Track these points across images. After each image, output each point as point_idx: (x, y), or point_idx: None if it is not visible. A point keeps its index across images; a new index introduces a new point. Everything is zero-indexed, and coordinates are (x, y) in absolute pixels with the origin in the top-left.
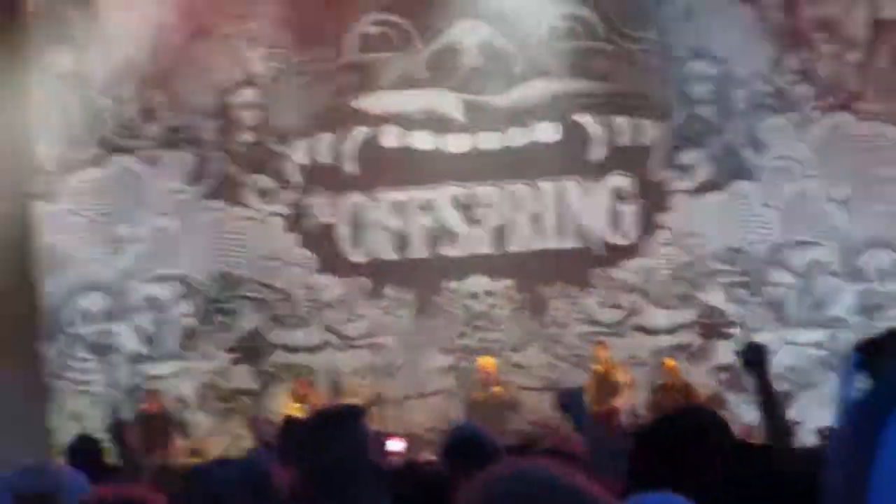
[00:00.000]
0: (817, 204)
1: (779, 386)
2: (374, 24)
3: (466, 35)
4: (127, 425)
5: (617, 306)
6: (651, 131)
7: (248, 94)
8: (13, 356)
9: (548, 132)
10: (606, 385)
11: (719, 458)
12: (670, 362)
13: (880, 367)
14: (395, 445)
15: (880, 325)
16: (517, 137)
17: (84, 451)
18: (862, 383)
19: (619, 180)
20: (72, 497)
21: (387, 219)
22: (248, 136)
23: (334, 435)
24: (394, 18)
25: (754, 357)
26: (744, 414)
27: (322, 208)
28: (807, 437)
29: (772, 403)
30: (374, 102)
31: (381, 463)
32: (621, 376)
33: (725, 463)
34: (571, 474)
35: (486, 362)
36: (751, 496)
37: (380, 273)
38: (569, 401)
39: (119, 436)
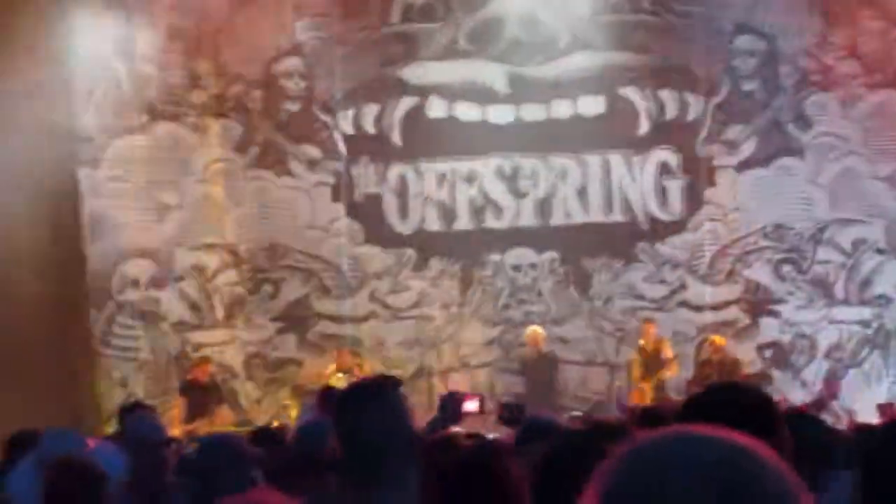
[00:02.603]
0: (863, 181)
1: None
2: None
3: (509, 6)
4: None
5: (662, 281)
6: (696, 106)
7: (293, 63)
8: (61, 322)
9: (592, 105)
10: (652, 360)
11: (765, 431)
12: (718, 339)
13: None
14: (471, 405)
15: None
16: (561, 110)
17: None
18: None
19: (664, 155)
20: (105, 466)
21: (432, 190)
22: (293, 105)
23: (369, 405)
24: None
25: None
26: (789, 391)
27: (367, 178)
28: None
29: None
30: (419, 73)
31: (417, 433)
32: (667, 352)
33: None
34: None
35: (535, 331)
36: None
37: (425, 244)
38: (509, 415)
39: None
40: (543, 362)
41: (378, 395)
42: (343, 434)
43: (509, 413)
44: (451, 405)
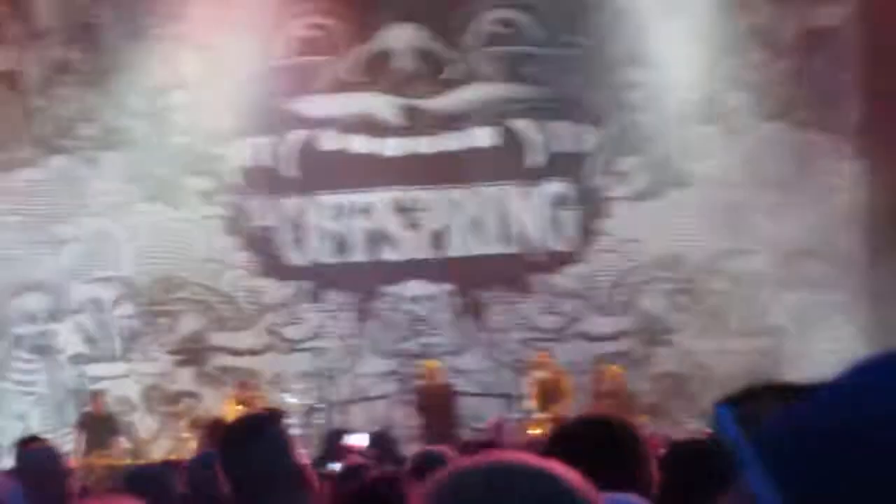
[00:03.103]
0: (752, 212)
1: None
2: (308, 27)
3: (399, 38)
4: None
5: (557, 312)
6: (588, 137)
7: (184, 96)
8: None
9: (484, 137)
10: (550, 392)
11: (626, 465)
12: (614, 369)
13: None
14: (358, 440)
15: (817, 333)
16: (453, 141)
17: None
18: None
19: (557, 186)
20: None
21: (327, 222)
22: (184, 138)
23: (252, 439)
24: (326, 21)
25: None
26: (686, 421)
27: (263, 211)
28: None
29: None
30: (310, 105)
31: (302, 466)
32: (564, 383)
33: (630, 471)
34: (549, 464)
35: (432, 364)
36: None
37: (320, 276)
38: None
39: None
40: (441, 395)
41: (260, 429)
42: (227, 468)
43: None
44: (333, 442)
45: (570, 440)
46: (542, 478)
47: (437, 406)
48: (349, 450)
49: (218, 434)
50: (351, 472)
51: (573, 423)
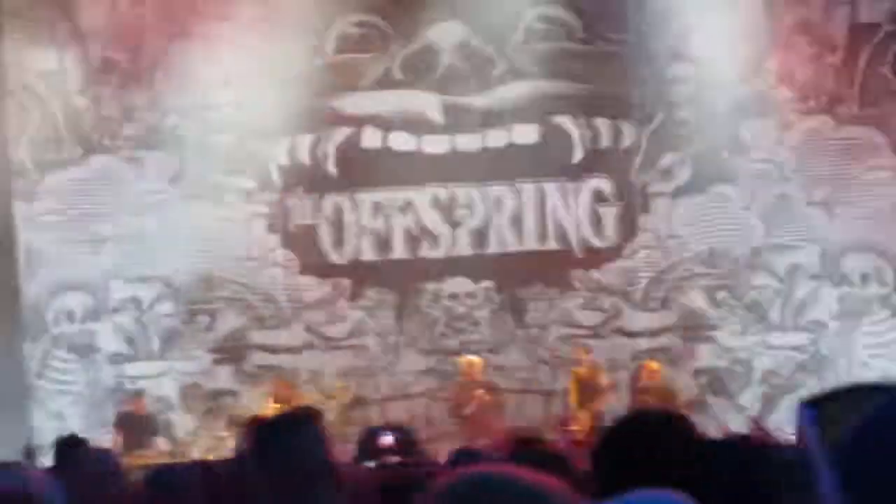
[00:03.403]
0: (797, 207)
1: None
2: (353, 25)
3: (443, 36)
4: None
5: (597, 309)
6: (630, 134)
7: (227, 95)
8: None
9: (526, 134)
10: (588, 388)
11: (684, 458)
12: (653, 364)
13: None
14: (387, 439)
15: (860, 329)
16: (496, 139)
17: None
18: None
19: (598, 182)
20: (45, 499)
21: (367, 220)
22: (226, 137)
23: (288, 438)
24: (372, 19)
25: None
26: (724, 417)
27: (303, 209)
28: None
29: None
30: (353, 103)
31: (338, 464)
32: (602, 379)
33: (690, 463)
34: (537, 477)
35: (469, 361)
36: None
37: (360, 274)
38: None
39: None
40: (478, 392)
41: (296, 427)
42: (263, 465)
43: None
44: (369, 441)
45: (624, 436)
46: (528, 491)
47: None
48: (382, 448)
49: (254, 432)
50: (386, 469)
51: (628, 419)
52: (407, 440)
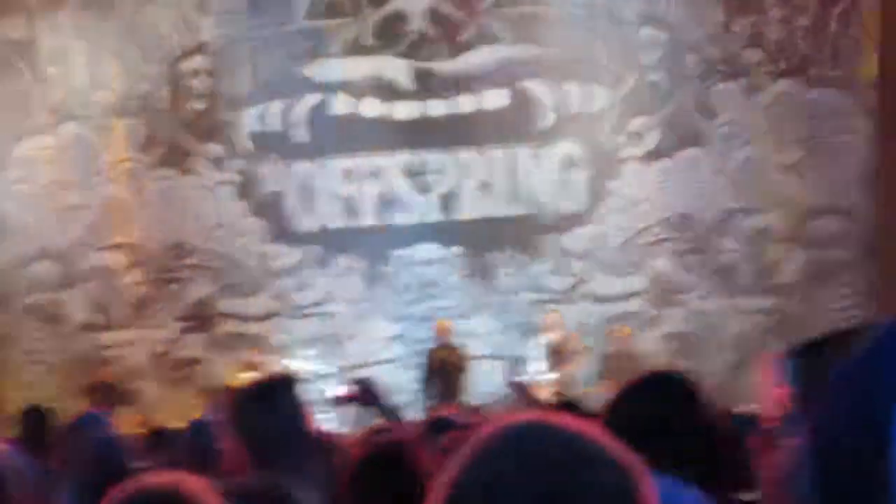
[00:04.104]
0: (767, 170)
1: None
2: None
3: (413, 1)
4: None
5: (567, 274)
6: (600, 98)
7: (198, 61)
8: None
9: (496, 99)
10: (559, 353)
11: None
12: (625, 329)
13: (819, 370)
14: (340, 389)
15: (827, 291)
16: (465, 104)
17: (34, 421)
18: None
19: (568, 147)
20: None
21: (336, 186)
22: (198, 104)
23: (267, 404)
24: None
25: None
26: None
27: (273, 176)
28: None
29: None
30: (323, 69)
31: (315, 431)
32: (575, 345)
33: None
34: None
35: (443, 323)
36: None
37: (330, 241)
38: (368, 395)
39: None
40: (453, 359)
41: (271, 394)
42: (241, 432)
43: (367, 393)
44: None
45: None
46: (581, 440)
47: (447, 369)
48: (339, 400)
49: (230, 399)
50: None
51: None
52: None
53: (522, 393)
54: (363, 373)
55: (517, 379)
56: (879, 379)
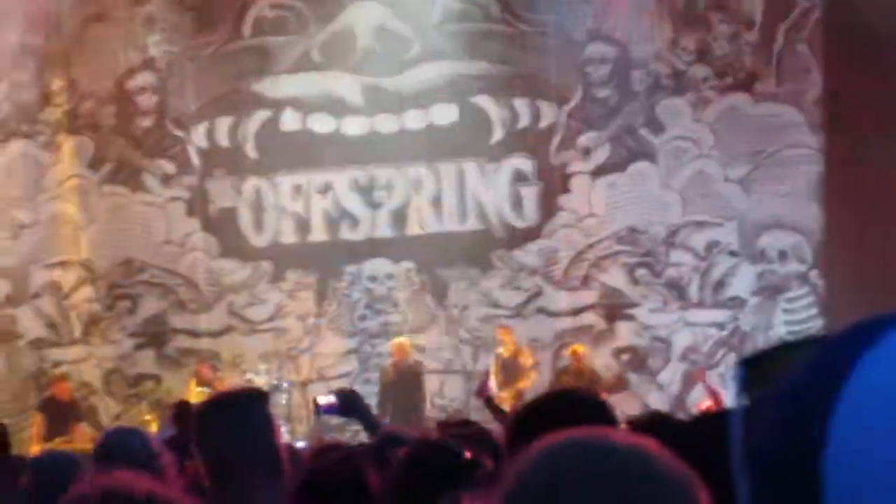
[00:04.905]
0: (715, 184)
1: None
2: (271, 8)
3: (361, 17)
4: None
5: (518, 288)
6: (549, 113)
7: (145, 78)
8: None
9: (445, 114)
10: (511, 368)
11: None
12: (579, 348)
13: (766, 380)
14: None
15: (779, 305)
16: (415, 120)
17: None
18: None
19: (518, 162)
20: None
21: (286, 202)
22: (146, 121)
23: (228, 419)
24: (289, 2)
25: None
26: (646, 394)
27: (222, 192)
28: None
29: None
30: (272, 86)
31: (282, 445)
32: (526, 360)
33: None
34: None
35: (400, 342)
36: None
37: (281, 257)
38: (349, 404)
39: None
40: (409, 375)
41: (237, 407)
42: (203, 448)
43: (348, 402)
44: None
45: (537, 416)
46: (640, 454)
47: (404, 384)
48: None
49: (186, 414)
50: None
51: (540, 399)
52: (348, 400)
53: (491, 405)
54: (317, 388)
55: (488, 391)
56: (814, 397)
